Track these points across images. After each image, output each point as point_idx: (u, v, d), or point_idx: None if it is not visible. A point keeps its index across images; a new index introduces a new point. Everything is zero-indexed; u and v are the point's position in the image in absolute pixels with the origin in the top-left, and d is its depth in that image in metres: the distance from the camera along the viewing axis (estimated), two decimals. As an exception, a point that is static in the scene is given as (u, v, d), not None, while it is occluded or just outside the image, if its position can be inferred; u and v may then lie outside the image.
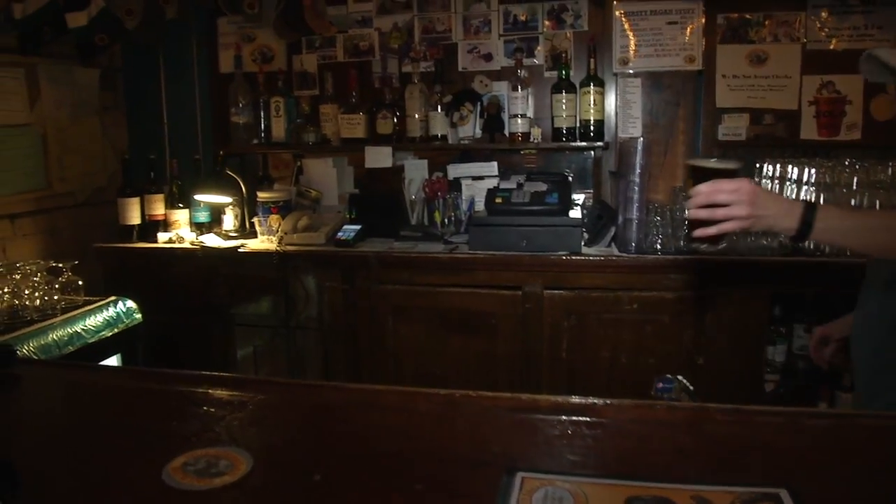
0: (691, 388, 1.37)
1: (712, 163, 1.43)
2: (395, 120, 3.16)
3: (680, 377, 1.35)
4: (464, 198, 3.11)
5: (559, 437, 1.11)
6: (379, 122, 3.16)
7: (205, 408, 1.23)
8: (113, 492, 0.97)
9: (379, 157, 3.12)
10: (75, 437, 1.15)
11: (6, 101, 3.03)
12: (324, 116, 3.25)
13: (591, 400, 1.21)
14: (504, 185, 2.87)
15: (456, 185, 3.15)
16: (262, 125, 3.35)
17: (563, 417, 1.17)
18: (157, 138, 3.56)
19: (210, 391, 1.30)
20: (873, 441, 1.11)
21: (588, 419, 1.16)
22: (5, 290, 2.45)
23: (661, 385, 1.32)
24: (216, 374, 1.37)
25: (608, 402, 1.23)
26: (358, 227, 2.94)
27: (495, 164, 3.15)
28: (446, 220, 3.06)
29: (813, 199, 1.54)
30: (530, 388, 2.64)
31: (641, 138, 2.92)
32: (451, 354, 2.73)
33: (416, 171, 3.22)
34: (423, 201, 3.12)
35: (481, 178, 3.15)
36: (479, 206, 3.05)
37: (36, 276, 2.48)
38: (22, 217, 3.08)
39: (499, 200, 2.73)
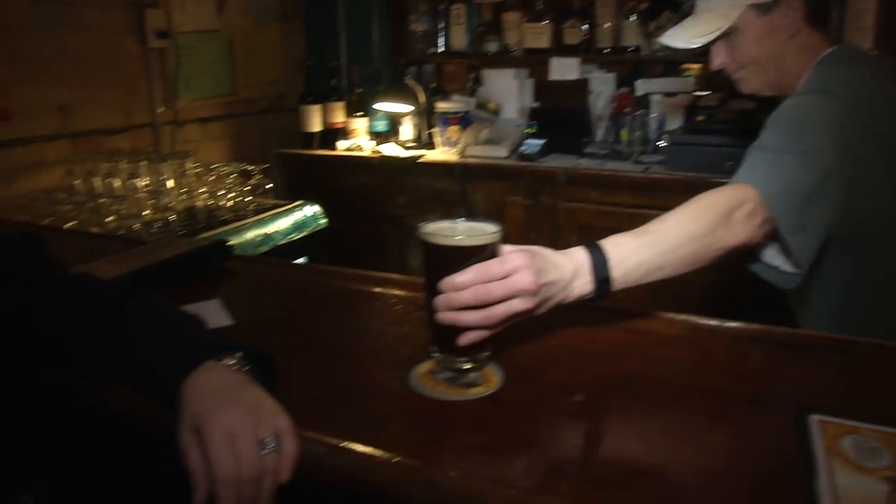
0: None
1: (461, 238, 0.91)
2: (583, 29, 2.95)
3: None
4: (653, 115, 2.89)
5: (838, 377, 0.97)
6: (566, 32, 2.97)
7: (434, 314, 1.17)
8: (362, 393, 0.93)
9: (564, 69, 2.94)
10: (312, 337, 1.12)
11: (197, 7, 3.08)
12: (506, 25, 3.10)
13: (863, 340, 1.05)
14: (704, 102, 2.63)
15: (644, 101, 2.93)
16: (442, 34, 3.25)
17: (831, 355, 1.02)
18: (334, 46, 3.54)
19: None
20: None
21: (861, 357, 1.01)
22: (202, 190, 2.53)
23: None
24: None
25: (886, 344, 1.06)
26: (542, 141, 2.81)
27: (691, 79, 2.89)
28: (633, 138, 2.86)
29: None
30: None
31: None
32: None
33: (603, 85, 3.01)
34: (610, 117, 2.93)
35: (673, 94, 2.90)
36: (671, 125, 2.83)
37: (230, 178, 2.56)
38: (211, 121, 3.17)
39: (701, 118, 2.50)
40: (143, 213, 2.24)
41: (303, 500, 0.86)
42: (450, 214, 2.83)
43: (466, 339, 0.88)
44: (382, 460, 0.74)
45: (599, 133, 2.97)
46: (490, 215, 2.71)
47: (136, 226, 2.20)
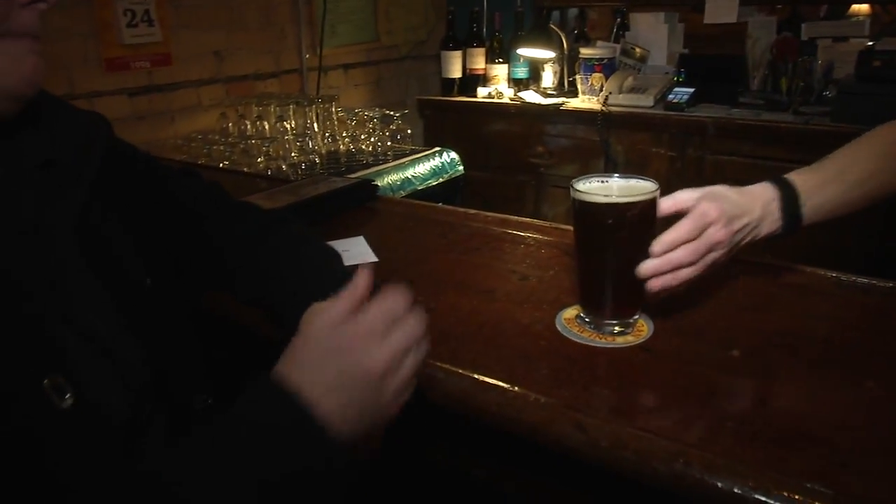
0: None
1: (617, 196, 0.86)
2: (744, -32, 2.74)
3: None
4: (819, 62, 2.66)
5: None
6: (724, -29, 2.77)
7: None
8: (507, 334, 0.91)
9: (721, 12, 2.74)
10: (455, 277, 1.12)
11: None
12: (658, -35, 2.93)
13: None
14: (882, 47, 2.38)
15: (810, 46, 2.70)
16: (588, -24, 3.12)
17: None
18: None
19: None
20: None
21: None
22: (345, 134, 2.59)
23: None
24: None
25: None
26: (690, 90, 2.65)
27: (866, 22, 2.63)
28: (794, 88, 2.64)
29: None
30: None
31: None
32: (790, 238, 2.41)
33: (762, 29, 2.80)
34: (768, 65, 2.72)
35: (844, 39, 2.65)
36: (840, 73, 2.59)
37: (371, 123, 2.60)
38: (354, 67, 3.21)
39: (877, 63, 2.27)
40: (291, 155, 2.32)
41: (446, 433, 0.88)
42: (589, 165, 2.77)
43: (658, 283, 0.86)
44: (532, 400, 0.73)
45: (755, 82, 2.77)
46: (632, 167, 2.62)
47: (284, 166, 2.28)
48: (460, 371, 0.79)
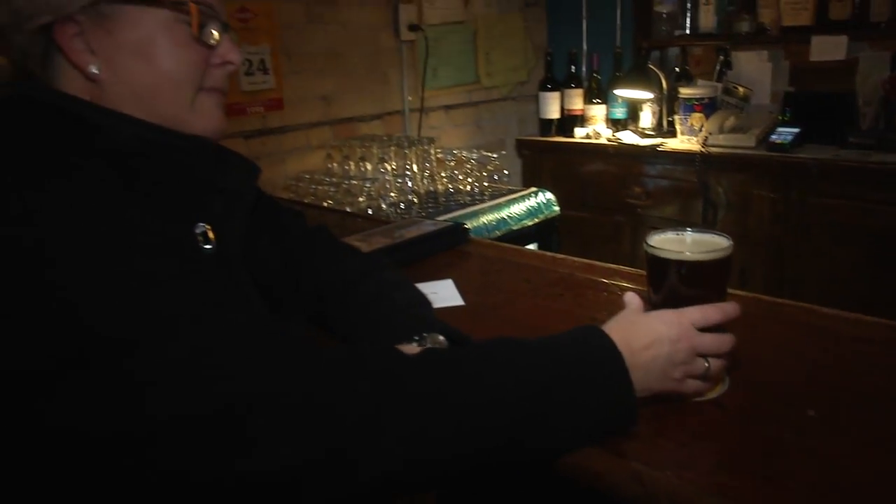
0: None
1: (689, 252, 0.88)
2: (854, 2, 2.65)
3: None
4: (937, 100, 2.54)
5: None
6: (832, 6, 2.69)
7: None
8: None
9: (829, 49, 2.67)
10: (535, 322, 1.15)
11: (446, 0, 3.23)
12: (761, 2, 2.87)
13: None
14: None
15: (927, 83, 2.58)
16: (689, 14, 3.10)
17: None
18: (576, 32, 3.53)
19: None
20: None
21: None
22: (443, 173, 2.67)
23: None
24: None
25: None
26: (795, 130, 2.59)
27: None
28: (909, 127, 2.53)
29: None
30: None
31: None
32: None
33: (874, 65, 2.69)
34: (881, 102, 2.62)
35: (966, 74, 2.52)
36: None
37: (469, 164, 2.67)
38: (455, 108, 3.32)
39: None
40: (390, 194, 2.42)
41: (507, 480, 0.90)
42: (688, 207, 2.74)
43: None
44: (594, 448, 0.75)
45: (866, 120, 2.66)
46: (732, 209, 2.57)
47: (383, 206, 2.38)
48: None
